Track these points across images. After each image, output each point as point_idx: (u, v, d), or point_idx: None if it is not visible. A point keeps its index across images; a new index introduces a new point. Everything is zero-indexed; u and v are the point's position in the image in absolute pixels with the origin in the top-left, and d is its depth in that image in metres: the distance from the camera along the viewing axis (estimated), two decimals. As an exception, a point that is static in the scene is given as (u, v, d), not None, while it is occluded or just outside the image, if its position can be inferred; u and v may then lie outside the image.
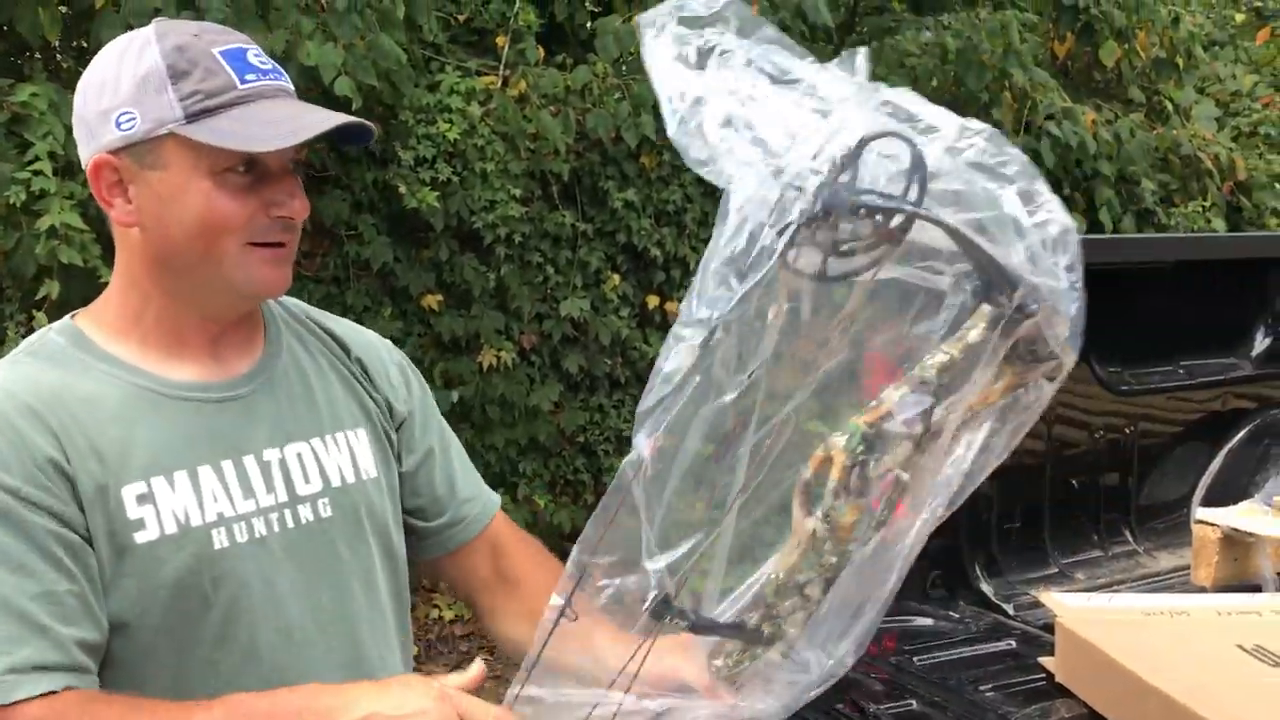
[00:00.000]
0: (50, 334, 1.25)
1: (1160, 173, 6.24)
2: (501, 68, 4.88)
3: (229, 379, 1.27)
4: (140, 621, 1.17)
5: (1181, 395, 2.71)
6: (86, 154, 1.20)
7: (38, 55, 3.99)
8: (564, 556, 4.48)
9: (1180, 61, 6.15)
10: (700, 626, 1.04)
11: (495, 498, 1.51)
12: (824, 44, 5.81)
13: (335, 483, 1.30)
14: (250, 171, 1.17)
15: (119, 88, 1.16)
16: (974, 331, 1.01)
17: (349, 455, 1.32)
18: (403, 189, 4.52)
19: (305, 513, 1.27)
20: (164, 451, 1.20)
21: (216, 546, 1.20)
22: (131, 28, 3.97)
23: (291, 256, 1.24)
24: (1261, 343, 2.82)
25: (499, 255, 4.82)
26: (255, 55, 1.20)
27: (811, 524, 1.02)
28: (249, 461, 1.25)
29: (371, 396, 1.39)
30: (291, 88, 1.22)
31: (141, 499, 1.17)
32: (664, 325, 5.32)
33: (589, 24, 5.19)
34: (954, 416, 1.02)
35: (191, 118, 1.14)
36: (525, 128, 4.74)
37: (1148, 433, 2.65)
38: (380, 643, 1.35)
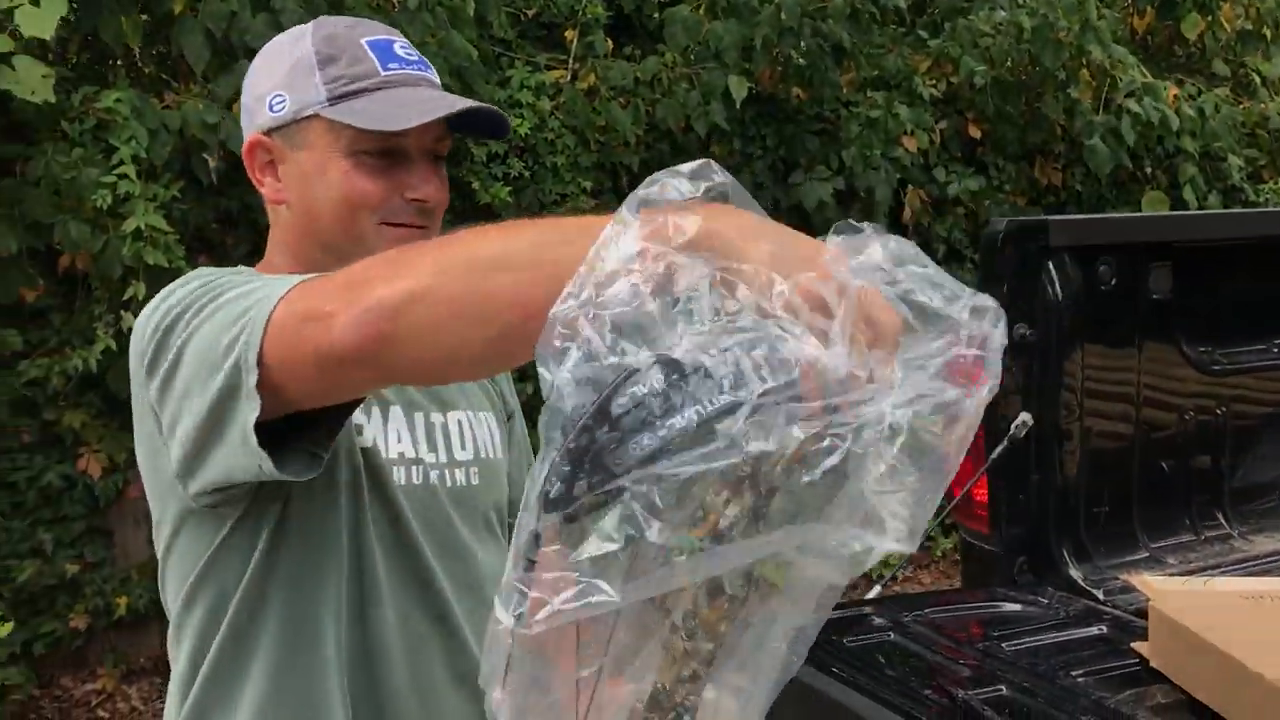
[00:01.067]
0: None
1: (1247, 148, 6.06)
2: (570, 61, 4.90)
3: None
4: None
5: (1275, 374, 2.63)
6: (245, 136, 1.26)
7: (120, 62, 4.08)
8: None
9: (1268, 33, 5.97)
10: None
11: None
12: (895, 26, 5.74)
13: (484, 455, 1.34)
14: (388, 155, 1.20)
15: (274, 73, 1.23)
16: None
17: (487, 432, 1.36)
18: (475, 185, 4.55)
19: (460, 476, 1.31)
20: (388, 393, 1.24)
21: (399, 482, 1.23)
22: (210, 33, 4.04)
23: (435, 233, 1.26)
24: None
25: (571, 248, 4.83)
26: (402, 47, 1.25)
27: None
28: (418, 418, 1.29)
29: (493, 386, 1.43)
30: (436, 79, 1.26)
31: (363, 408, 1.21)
32: (737, 315, 5.30)
33: (657, 14, 5.18)
34: None
35: (334, 100, 1.19)
36: (595, 120, 4.75)
37: (1240, 413, 2.58)
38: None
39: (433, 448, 1.29)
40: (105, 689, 4.13)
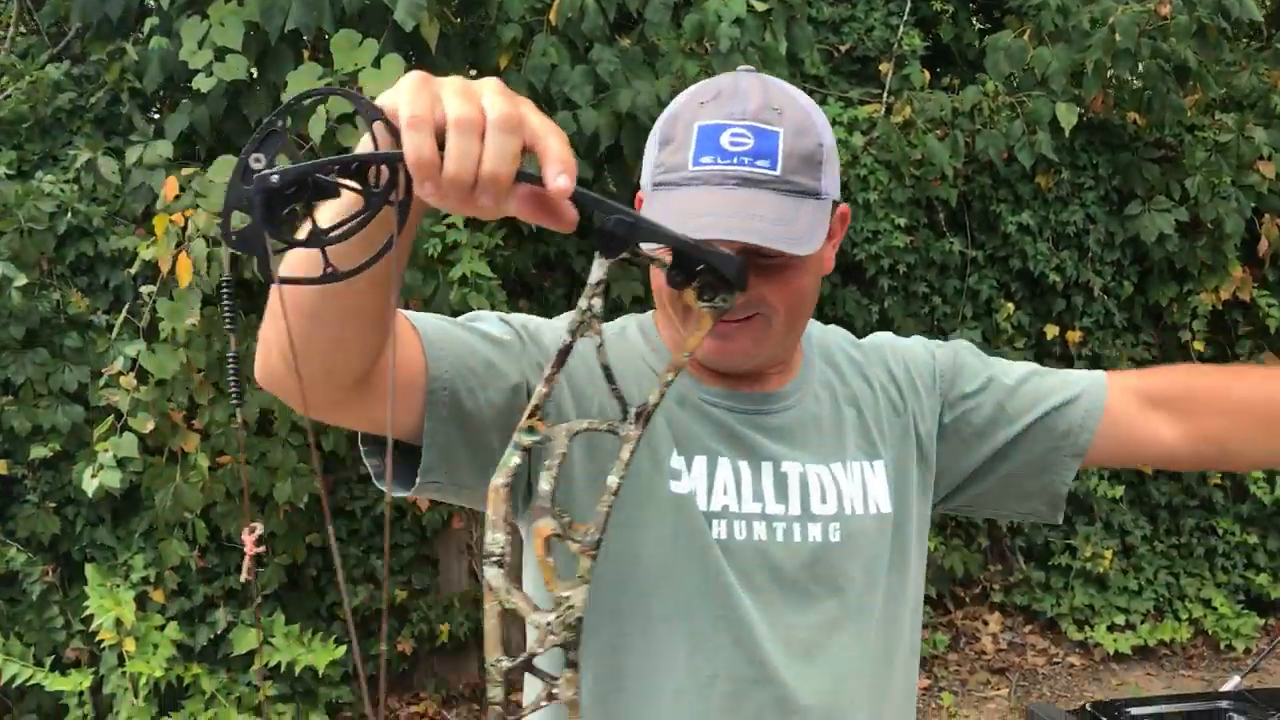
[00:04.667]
0: (631, 322, 1.31)
1: None
2: (885, 94, 4.76)
3: (757, 393, 1.27)
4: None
5: None
6: None
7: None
8: (956, 602, 4.26)
9: None
10: None
11: (1096, 380, 1.36)
12: (1248, 41, 5.22)
13: (849, 511, 1.26)
14: None
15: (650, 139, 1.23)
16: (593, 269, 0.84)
17: (861, 487, 1.28)
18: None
19: (815, 532, 1.24)
20: (692, 437, 1.21)
21: (714, 536, 1.20)
22: (532, 86, 4.17)
23: (752, 333, 1.20)
24: None
25: (882, 287, 4.68)
26: (732, 135, 1.15)
27: (486, 573, 0.80)
28: (766, 468, 1.24)
29: (899, 413, 1.32)
30: (767, 173, 1.14)
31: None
32: (1065, 356, 4.95)
33: (977, 43, 4.95)
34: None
35: (656, 186, 1.17)
36: (910, 154, 4.58)
37: None
38: (871, 695, 1.25)
39: (782, 499, 1.23)
40: (427, 712, 4.33)
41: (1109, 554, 4.93)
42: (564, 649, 0.79)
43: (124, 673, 3.58)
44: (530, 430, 0.83)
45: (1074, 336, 4.91)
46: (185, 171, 3.56)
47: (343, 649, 3.74)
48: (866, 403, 1.31)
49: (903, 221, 4.60)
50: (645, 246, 0.86)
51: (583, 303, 0.84)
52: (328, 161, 0.78)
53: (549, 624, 0.79)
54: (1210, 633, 4.93)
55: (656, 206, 1.15)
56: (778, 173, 1.13)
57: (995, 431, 1.32)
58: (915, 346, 1.37)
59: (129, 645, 3.59)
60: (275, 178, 0.76)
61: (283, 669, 3.70)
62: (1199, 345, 4.96)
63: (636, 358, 1.25)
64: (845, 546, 1.24)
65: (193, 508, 3.70)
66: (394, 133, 0.80)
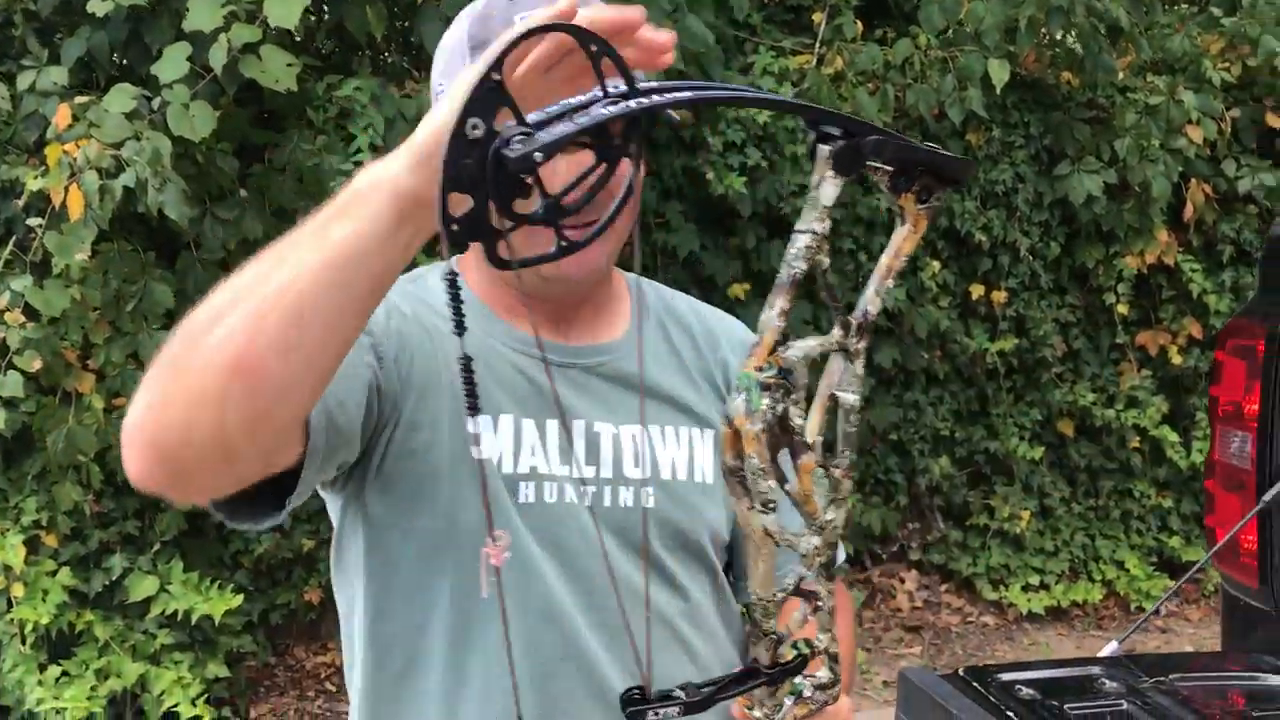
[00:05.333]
0: (431, 273, 1.25)
1: None
2: (817, 45, 4.67)
3: (574, 346, 1.23)
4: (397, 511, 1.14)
5: None
6: None
7: (368, 52, 4.17)
8: (873, 558, 4.23)
9: None
10: (695, 704, 0.83)
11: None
12: (1184, 4, 5.19)
13: (665, 475, 1.22)
14: None
15: (439, 60, 1.18)
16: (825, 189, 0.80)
17: (686, 453, 1.23)
18: (710, 175, 4.41)
19: (626, 496, 1.19)
20: (495, 393, 1.16)
21: (521, 500, 1.15)
22: (449, 20, 4.08)
23: (599, 246, 1.10)
24: None
25: (810, 242, 4.62)
26: None
27: (758, 520, 0.80)
28: (577, 427, 1.19)
29: (723, 398, 1.28)
30: None
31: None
32: (989, 316, 4.94)
33: (913, -5, 4.87)
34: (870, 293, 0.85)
35: None
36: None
37: None
38: (681, 663, 1.20)
39: (593, 460, 1.18)
40: (335, 663, 4.26)
41: (1027, 515, 4.96)
42: (825, 566, 0.83)
43: (10, 619, 3.47)
44: (768, 366, 0.79)
45: (999, 297, 4.89)
46: (80, 100, 3.40)
47: (240, 598, 3.65)
48: (701, 372, 1.27)
49: (830, 175, 4.54)
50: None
51: (817, 226, 0.80)
52: (589, 123, 0.70)
53: (816, 547, 0.82)
54: (1122, 594, 4.98)
55: None
56: None
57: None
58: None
59: (17, 590, 3.47)
60: (539, 154, 0.67)
61: (179, 617, 3.60)
62: (1123, 308, 4.97)
63: (434, 312, 1.18)
64: (658, 512, 1.19)
65: (87, 451, 3.58)
66: (621, 67, 0.73)
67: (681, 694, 0.83)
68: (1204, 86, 4.83)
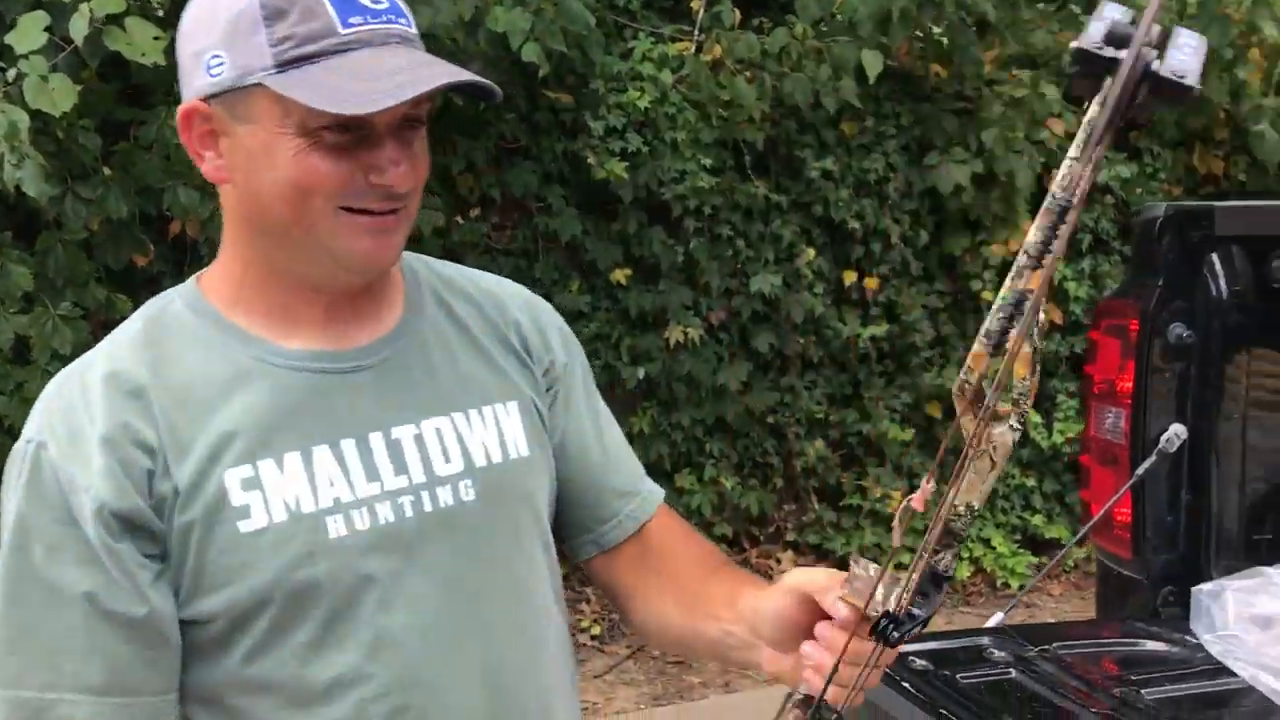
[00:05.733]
0: (175, 298, 1.14)
1: None
2: (696, 32, 4.69)
3: (353, 348, 1.13)
4: (238, 619, 1.06)
5: None
6: (183, 99, 1.07)
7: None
8: (751, 540, 4.30)
9: None
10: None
11: (658, 489, 1.34)
12: (1045, 1, 5.38)
13: (479, 463, 1.15)
14: (350, 130, 1.02)
15: (213, 26, 1.03)
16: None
17: (496, 432, 1.17)
18: (591, 160, 4.40)
19: (444, 496, 1.13)
20: (274, 430, 1.07)
21: (331, 535, 1.07)
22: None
23: (401, 226, 1.08)
24: None
25: (688, 228, 4.65)
26: None
27: (1010, 437, 0.92)
28: (375, 439, 1.11)
29: (527, 364, 1.23)
30: (412, 31, 1.06)
31: (247, 484, 1.06)
32: (862, 302, 5.05)
33: (789, -15, 4.93)
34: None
35: (282, 67, 1.00)
36: (718, 95, 4.55)
37: None
38: (529, 651, 1.19)
39: (401, 470, 1.10)
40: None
41: (898, 495, 5.08)
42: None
43: None
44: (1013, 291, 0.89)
45: (872, 283, 5.01)
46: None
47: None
48: (495, 339, 1.21)
49: (709, 162, 4.57)
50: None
51: (1090, 152, 0.84)
52: None
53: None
54: (989, 570, 5.15)
55: (313, 79, 0.99)
56: (415, 30, 1.06)
57: (567, 458, 1.25)
58: (546, 307, 1.29)
59: None
60: None
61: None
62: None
63: (201, 343, 1.09)
64: (482, 503, 1.14)
65: (-64, 442, 3.38)
66: None
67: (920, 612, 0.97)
68: (1065, 81, 5.02)
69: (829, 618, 1.05)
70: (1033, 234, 0.87)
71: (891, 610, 0.98)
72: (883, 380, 5.13)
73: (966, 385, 0.90)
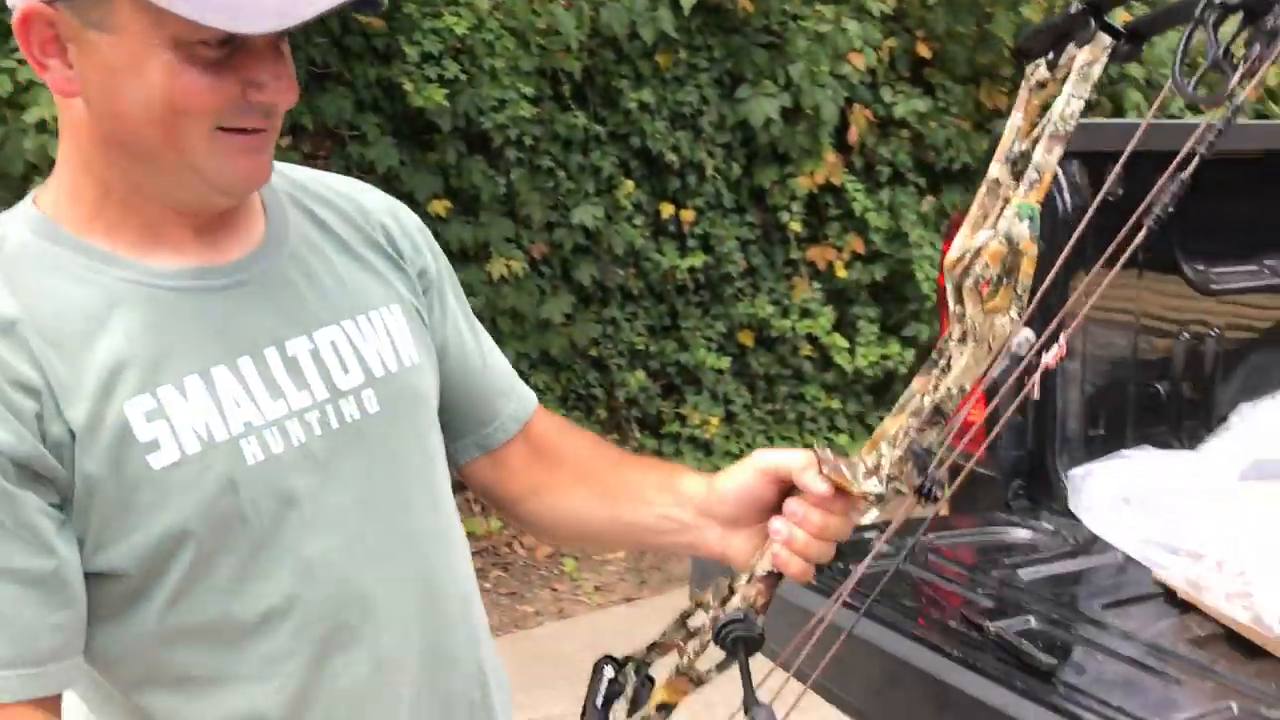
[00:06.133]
0: (12, 224, 1.02)
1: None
2: (511, -42, 4.61)
3: (228, 263, 1.06)
4: (155, 564, 0.99)
5: (1267, 296, 2.55)
6: (16, 3, 0.95)
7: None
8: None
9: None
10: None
11: (530, 390, 1.34)
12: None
13: (378, 372, 1.11)
14: (226, 43, 0.94)
15: None
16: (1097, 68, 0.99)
17: (388, 339, 1.14)
18: (408, 87, 4.27)
19: (349, 409, 1.09)
20: (166, 355, 1.00)
21: (250, 461, 1.01)
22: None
23: (272, 144, 1.03)
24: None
25: (508, 158, 4.60)
26: None
27: (1008, 326, 0.98)
28: (271, 356, 1.05)
29: (401, 267, 1.19)
30: None
31: (151, 415, 0.98)
32: (679, 235, 5.12)
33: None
34: None
35: None
36: (535, 22, 4.49)
37: (1233, 337, 2.49)
38: (446, 555, 1.20)
39: (303, 385, 1.05)
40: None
41: (715, 421, 5.23)
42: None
43: None
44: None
45: (688, 216, 5.09)
46: None
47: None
48: (365, 243, 1.17)
49: (529, 91, 4.52)
50: None
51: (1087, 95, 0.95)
52: None
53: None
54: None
55: (180, 6, 0.90)
56: None
57: (447, 361, 1.23)
58: (405, 209, 1.26)
59: None
60: None
61: None
62: (795, 226, 5.30)
63: (61, 271, 0.99)
64: (387, 413, 1.11)
65: None
66: None
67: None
68: (865, 17, 5.20)
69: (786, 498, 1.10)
70: (1039, 154, 0.96)
71: (889, 475, 1.03)
72: (699, 311, 5.24)
73: (980, 278, 0.95)
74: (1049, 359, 1.02)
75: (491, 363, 1.31)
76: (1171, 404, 2.42)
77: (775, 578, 1.09)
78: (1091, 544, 1.96)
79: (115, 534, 0.98)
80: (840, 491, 1.06)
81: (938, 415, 1.04)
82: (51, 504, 0.96)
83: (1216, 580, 1.48)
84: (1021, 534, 1.99)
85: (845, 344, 5.42)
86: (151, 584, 1.00)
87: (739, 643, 1.05)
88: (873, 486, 1.05)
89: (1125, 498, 1.78)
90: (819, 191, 5.33)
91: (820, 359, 5.52)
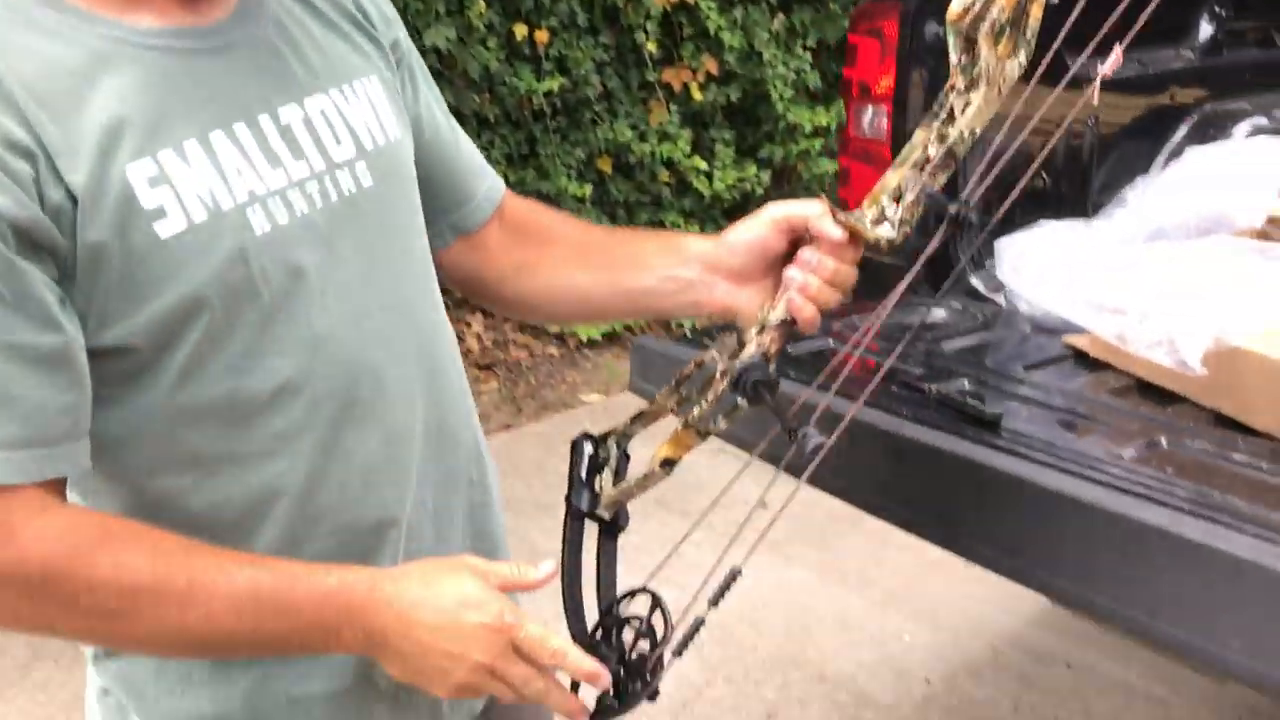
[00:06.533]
0: None
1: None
2: None
3: (211, 25, 1.01)
4: (166, 336, 0.96)
5: (1134, 88, 2.67)
6: None
7: None
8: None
9: None
10: None
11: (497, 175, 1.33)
12: None
13: (369, 145, 1.09)
14: None
15: None
16: None
17: (372, 110, 1.10)
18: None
19: (346, 182, 1.06)
20: (163, 116, 0.94)
21: (258, 232, 0.98)
22: None
23: None
24: (1205, 32, 2.80)
25: (355, -23, 4.36)
26: None
27: (1017, 70, 1.02)
28: (265, 123, 1.01)
29: (375, 39, 1.15)
30: None
31: (154, 181, 0.93)
32: (534, 57, 4.99)
33: None
34: None
35: None
36: None
37: (1105, 128, 2.61)
38: (442, 335, 1.20)
39: (299, 154, 1.02)
40: None
41: (578, 249, 5.22)
42: None
43: None
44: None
45: (542, 37, 4.95)
46: None
47: None
48: (339, 12, 1.13)
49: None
50: None
51: None
52: None
53: None
54: (663, 314, 5.46)
55: None
56: None
57: (422, 139, 1.21)
58: None
59: None
60: None
61: None
62: (651, 46, 5.23)
63: (36, 27, 0.92)
64: (379, 188, 1.09)
65: None
66: None
67: None
68: None
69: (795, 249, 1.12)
70: None
71: (901, 218, 1.07)
72: (558, 137, 5.16)
73: (992, 18, 0.98)
74: (1105, 69, 1.05)
75: (462, 142, 1.29)
76: (1054, 193, 2.53)
77: (788, 325, 1.12)
78: (997, 318, 2.06)
79: (123, 306, 0.93)
80: (853, 239, 1.10)
81: (949, 159, 1.07)
82: (51, 278, 0.90)
83: (1140, 332, 1.59)
84: (938, 313, 2.08)
85: (704, 166, 5.44)
86: (161, 358, 0.96)
87: (760, 385, 1.08)
88: (885, 231, 1.09)
89: (1048, 263, 1.88)
90: (672, 10, 5.25)
91: (678, 184, 5.53)
